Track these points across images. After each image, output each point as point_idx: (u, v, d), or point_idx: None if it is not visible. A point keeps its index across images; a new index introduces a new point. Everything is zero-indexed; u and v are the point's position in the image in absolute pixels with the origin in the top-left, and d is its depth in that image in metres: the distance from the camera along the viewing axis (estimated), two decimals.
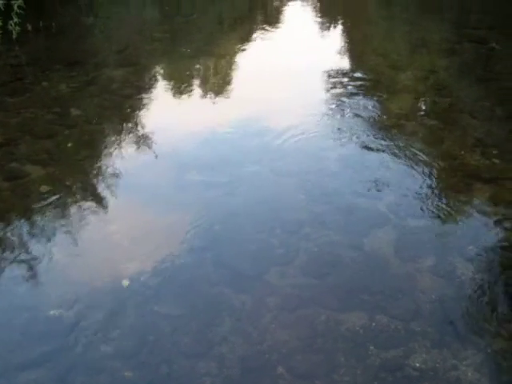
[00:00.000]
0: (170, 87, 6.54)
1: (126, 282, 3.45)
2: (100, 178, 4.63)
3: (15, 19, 6.98)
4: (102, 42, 8.01)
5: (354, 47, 8.14)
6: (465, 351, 2.96)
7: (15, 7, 6.95)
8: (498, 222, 4.15)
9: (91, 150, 5.12)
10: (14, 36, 7.04)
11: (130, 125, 5.53)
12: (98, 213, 4.15)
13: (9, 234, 3.92)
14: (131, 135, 5.33)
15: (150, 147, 5.10)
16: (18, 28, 7.03)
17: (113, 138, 5.27)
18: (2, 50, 6.97)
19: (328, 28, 9.07)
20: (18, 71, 6.61)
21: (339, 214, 4.22)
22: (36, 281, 3.48)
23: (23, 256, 3.69)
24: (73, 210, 4.18)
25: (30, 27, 7.39)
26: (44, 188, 4.43)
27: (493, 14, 9.52)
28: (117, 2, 9.76)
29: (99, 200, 4.32)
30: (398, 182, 4.64)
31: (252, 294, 3.38)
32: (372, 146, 5.18)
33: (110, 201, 4.30)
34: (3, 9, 7.01)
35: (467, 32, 8.46)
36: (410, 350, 2.97)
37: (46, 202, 4.26)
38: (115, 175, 4.65)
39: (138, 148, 5.10)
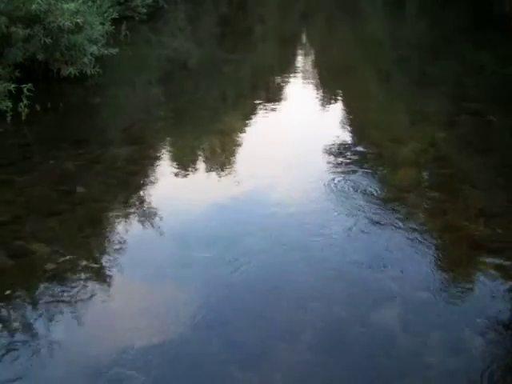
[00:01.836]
0: (175, 164, 6.65)
1: (129, 361, 3.40)
2: (104, 254, 4.64)
3: (24, 101, 7.19)
4: (108, 120, 8.21)
5: (355, 121, 8.31)
6: None
7: (25, 90, 7.18)
8: (505, 294, 4.11)
9: (96, 227, 5.16)
10: (23, 117, 7.23)
11: (134, 202, 5.59)
12: (102, 290, 4.14)
13: (12, 312, 3.90)
14: (136, 212, 5.37)
15: (154, 224, 5.13)
16: (26, 109, 7.23)
17: (117, 215, 5.32)
18: (11, 131, 7.15)
19: (329, 102, 9.30)
20: (26, 150, 6.75)
21: (345, 288, 4.20)
22: (36, 361, 3.42)
23: (24, 336, 3.65)
24: (77, 287, 4.16)
25: (38, 108, 7.60)
26: (49, 266, 4.42)
27: (488, 87, 9.77)
28: (123, 82, 10.06)
29: (103, 277, 4.31)
30: (403, 254, 4.63)
31: (258, 372, 3.32)
32: (375, 219, 5.20)
33: (115, 278, 4.30)
34: (14, 92, 7.24)
35: (464, 105, 8.65)
36: None
37: (50, 280, 4.26)
38: (120, 252, 4.66)
39: (143, 225, 5.14)
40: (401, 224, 5.12)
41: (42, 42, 7.97)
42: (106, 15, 9.82)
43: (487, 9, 19.02)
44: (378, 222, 5.14)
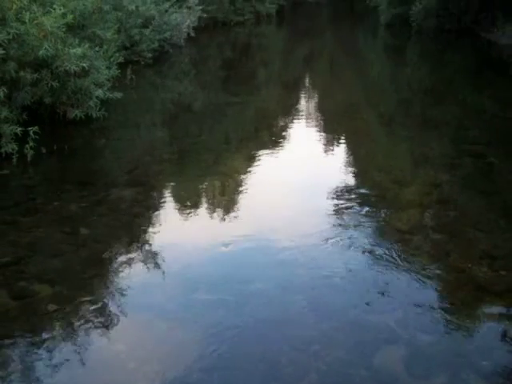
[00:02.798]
0: (178, 206, 6.68)
1: None
2: (107, 296, 4.63)
3: (30, 143, 7.29)
4: (113, 162, 8.29)
5: (358, 163, 8.37)
6: None
7: (31, 133, 7.29)
8: (510, 337, 4.07)
9: (99, 268, 5.16)
10: (29, 159, 7.32)
11: (137, 243, 5.60)
12: (104, 332, 4.12)
13: (13, 354, 3.87)
14: (139, 253, 5.38)
15: (157, 265, 5.13)
16: (32, 152, 7.32)
17: (120, 257, 5.32)
18: (17, 172, 7.23)
19: (332, 145, 9.37)
20: (31, 192, 6.81)
21: (348, 330, 4.17)
22: None
23: (25, 379, 3.62)
24: (79, 329, 4.14)
25: (44, 150, 7.70)
26: (51, 307, 4.42)
27: (488, 130, 9.87)
28: (128, 125, 10.19)
29: (106, 319, 4.29)
30: (406, 296, 4.61)
31: None
32: (378, 261, 5.20)
33: (117, 319, 4.28)
34: (20, 134, 7.35)
35: (466, 147, 8.73)
36: None
37: (52, 321, 4.24)
38: (122, 294, 4.65)
39: (146, 266, 5.14)
40: (404, 266, 5.11)
41: (50, 85, 8.12)
42: (112, 59, 10.01)
43: (486, 54, 19.39)
44: (381, 265, 5.13)
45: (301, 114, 11.72)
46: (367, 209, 6.39)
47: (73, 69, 8.10)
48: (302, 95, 14.21)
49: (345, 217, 6.17)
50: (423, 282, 4.83)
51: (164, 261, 5.20)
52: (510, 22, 19.48)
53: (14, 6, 7.47)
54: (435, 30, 23.46)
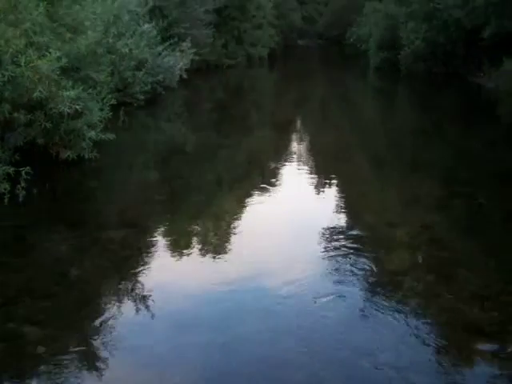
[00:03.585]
0: (169, 248, 6.67)
1: None
2: (97, 338, 4.58)
3: (22, 184, 7.30)
4: (104, 203, 8.30)
5: (349, 205, 8.41)
6: None
7: (23, 173, 7.31)
8: (502, 379, 4.06)
9: (89, 310, 5.12)
10: (20, 199, 7.32)
11: (128, 285, 5.57)
12: (93, 375, 4.07)
13: None
14: (129, 295, 5.34)
15: (148, 307, 5.10)
16: (23, 192, 7.33)
17: (111, 299, 5.28)
18: (8, 213, 7.21)
19: (323, 187, 9.43)
20: (22, 232, 6.79)
21: (340, 373, 4.14)
22: None
23: None
24: (68, 372, 4.09)
25: (35, 190, 7.71)
26: (40, 349, 4.37)
27: (477, 171, 10.00)
28: (120, 166, 10.24)
29: (95, 362, 4.24)
30: (398, 338, 4.60)
31: None
32: (369, 303, 5.19)
33: (106, 362, 4.23)
34: (13, 175, 7.36)
35: (456, 189, 8.82)
36: None
37: (40, 365, 4.19)
38: (112, 336, 4.61)
39: (136, 308, 5.10)
40: (395, 307, 5.10)
41: (43, 126, 8.18)
42: (105, 101, 10.11)
43: (473, 97, 19.76)
44: (373, 306, 5.12)
45: (292, 156, 11.82)
46: (358, 250, 6.40)
47: (66, 110, 8.18)
48: (293, 137, 14.35)
49: (336, 259, 6.17)
50: (415, 322, 4.82)
51: (154, 303, 5.17)
52: (496, 67, 19.93)
53: (11, 50, 7.58)
54: (423, 73, 23.98)
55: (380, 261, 6.22)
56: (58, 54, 8.16)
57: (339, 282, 5.60)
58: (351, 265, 5.99)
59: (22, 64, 7.64)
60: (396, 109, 19.08)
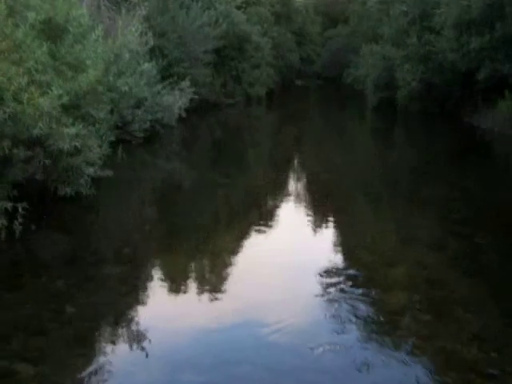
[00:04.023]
0: (166, 285, 6.64)
1: None
2: (91, 377, 4.52)
3: (19, 219, 7.29)
4: (101, 240, 8.28)
5: (346, 243, 8.41)
6: None
7: (19, 209, 7.31)
8: None
9: (83, 348, 5.07)
10: (18, 234, 7.30)
11: (124, 323, 5.53)
12: None
13: None
14: (125, 333, 5.30)
15: (143, 346, 5.05)
16: (20, 227, 7.31)
17: (106, 336, 5.24)
18: (5, 248, 7.19)
19: (320, 225, 9.43)
20: (18, 267, 6.78)
21: None
22: None
23: None
24: None
25: (33, 226, 7.69)
26: None
27: (474, 210, 10.04)
28: (117, 202, 10.26)
29: None
30: (396, 378, 4.55)
31: None
32: (367, 342, 5.16)
33: None
34: (10, 210, 7.36)
35: (453, 227, 8.84)
36: None
37: None
38: (107, 375, 4.55)
39: (131, 346, 5.05)
40: (394, 347, 5.06)
41: (42, 163, 8.21)
42: (104, 138, 10.18)
43: (469, 137, 19.96)
44: (370, 346, 5.08)
45: (290, 194, 11.85)
46: (356, 290, 6.38)
47: (66, 147, 8.23)
48: (291, 176, 14.42)
49: (333, 298, 6.14)
50: (413, 363, 4.78)
51: (150, 341, 5.12)
52: (490, 108, 20.20)
53: (13, 87, 7.67)
54: (420, 113, 24.27)
55: (377, 300, 6.19)
56: (60, 91, 8.25)
57: (335, 322, 5.56)
58: (348, 304, 5.96)
59: (24, 101, 7.71)
60: (393, 148, 19.23)
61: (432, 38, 22.65)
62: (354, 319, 5.61)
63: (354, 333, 5.34)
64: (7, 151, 7.65)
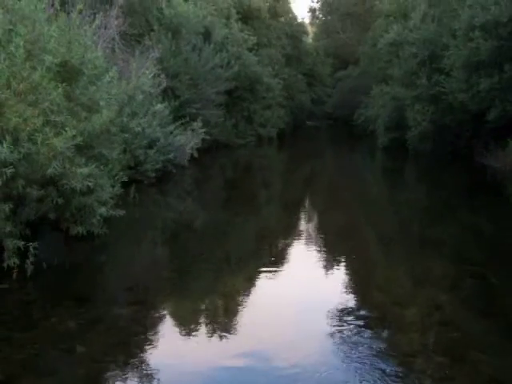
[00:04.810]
0: (177, 326, 6.61)
1: None
2: None
3: (31, 258, 7.33)
4: (112, 279, 8.28)
5: (358, 284, 8.35)
6: None
7: (31, 248, 7.35)
8: None
9: None
10: (29, 274, 7.32)
11: (134, 363, 5.48)
12: None
13: None
14: (136, 373, 5.26)
15: None
16: (32, 267, 7.34)
17: (117, 377, 5.19)
18: (16, 287, 7.21)
19: (331, 266, 9.37)
20: (29, 307, 6.76)
21: None
22: None
23: None
24: None
25: (44, 265, 7.71)
26: None
27: (487, 250, 9.96)
28: (129, 242, 10.28)
29: None
30: None
31: None
32: None
33: None
34: (22, 249, 7.41)
35: (465, 268, 8.75)
36: None
37: None
38: None
39: None
40: None
41: (54, 202, 8.28)
42: (116, 178, 10.28)
43: (480, 177, 19.92)
44: None
45: (300, 234, 11.83)
46: (368, 331, 6.30)
47: (78, 187, 8.31)
48: (302, 215, 14.42)
49: (345, 339, 6.07)
50: None
51: (159, 382, 5.06)
52: (501, 147, 20.21)
53: (28, 128, 7.80)
54: (430, 153, 24.30)
55: (390, 342, 6.10)
56: (74, 132, 8.38)
57: (348, 364, 5.48)
58: (360, 346, 5.88)
59: (39, 141, 7.83)
60: (404, 187, 19.22)
61: (442, 79, 22.84)
62: (366, 361, 5.53)
63: (366, 375, 5.25)
64: (21, 190, 7.73)
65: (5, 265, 7.31)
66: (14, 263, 7.30)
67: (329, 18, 59.66)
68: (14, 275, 7.26)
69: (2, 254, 7.30)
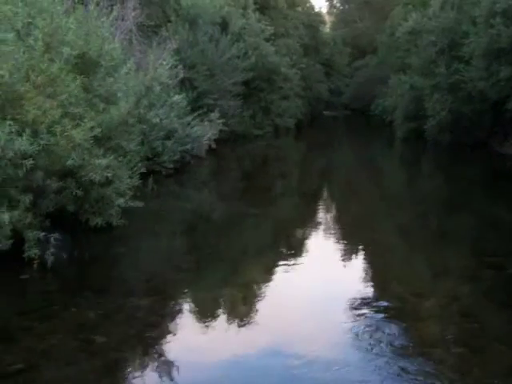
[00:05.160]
0: (195, 316, 6.64)
1: None
2: None
3: (51, 249, 7.41)
4: (131, 270, 8.32)
5: (377, 275, 8.31)
6: None
7: (52, 239, 7.43)
8: None
9: (112, 378, 5.08)
10: (49, 265, 7.40)
11: (152, 353, 5.53)
12: None
13: None
14: (153, 364, 5.30)
15: (172, 376, 5.04)
16: (52, 257, 7.42)
17: (136, 367, 5.24)
18: (37, 278, 7.29)
19: (349, 256, 9.36)
20: (49, 298, 6.83)
21: None
22: None
23: None
24: None
25: (64, 256, 7.79)
26: None
27: (506, 241, 9.85)
28: (147, 233, 10.32)
29: None
30: None
31: None
32: (400, 375, 5.06)
33: None
34: (43, 240, 7.48)
35: (484, 259, 8.68)
36: None
37: None
38: None
39: (161, 377, 5.04)
40: (428, 381, 4.94)
41: (74, 193, 8.35)
42: (134, 169, 10.31)
43: (500, 166, 19.69)
44: (403, 380, 4.97)
45: (318, 224, 11.79)
46: (387, 322, 6.28)
47: (97, 178, 8.36)
48: (320, 206, 14.36)
49: (364, 330, 6.05)
50: None
51: (179, 373, 5.10)
52: None
53: (47, 120, 7.86)
54: (449, 143, 24.05)
55: (409, 332, 6.08)
56: (92, 123, 8.42)
57: (367, 353, 5.47)
58: (380, 336, 5.87)
59: (58, 133, 7.89)
60: (423, 178, 19.07)
61: (461, 68, 22.56)
62: (385, 352, 5.51)
63: (385, 366, 5.23)
64: (40, 182, 7.80)
65: (25, 256, 7.40)
66: (35, 254, 7.38)
67: (346, 7, 59.34)
68: (35, 266, 7.34)
69: (22, 245, 7.38)
